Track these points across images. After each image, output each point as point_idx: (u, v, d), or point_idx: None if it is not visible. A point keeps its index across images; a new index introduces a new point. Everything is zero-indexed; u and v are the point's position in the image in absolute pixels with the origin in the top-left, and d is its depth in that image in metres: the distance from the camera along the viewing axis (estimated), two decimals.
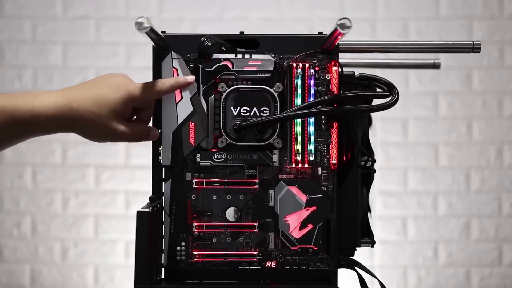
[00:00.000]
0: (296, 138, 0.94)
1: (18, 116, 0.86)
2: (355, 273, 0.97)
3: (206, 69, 0.93)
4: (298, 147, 0.94)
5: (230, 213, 0.94)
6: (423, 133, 2.19)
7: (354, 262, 0.97)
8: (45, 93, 0.88)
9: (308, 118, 0.94)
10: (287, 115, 0.92)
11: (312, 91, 0.94)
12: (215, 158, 0.94)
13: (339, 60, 0.95)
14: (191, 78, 0.93)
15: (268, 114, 0.93)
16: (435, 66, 1.16)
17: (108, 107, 0.88)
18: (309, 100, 0.93)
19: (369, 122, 1.00)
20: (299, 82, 0.94)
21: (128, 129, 0.90)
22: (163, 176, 0.95)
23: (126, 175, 2.17)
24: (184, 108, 0.94)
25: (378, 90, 0.95)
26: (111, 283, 2.18)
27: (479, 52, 1.02)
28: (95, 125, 0.88)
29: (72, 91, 0.89)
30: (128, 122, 0.92)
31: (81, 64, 2.19)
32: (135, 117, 0.96)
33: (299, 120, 0.94)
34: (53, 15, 2.20)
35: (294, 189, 0.94)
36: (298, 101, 0.94)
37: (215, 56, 0.93)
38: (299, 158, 0.94)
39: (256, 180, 0.95)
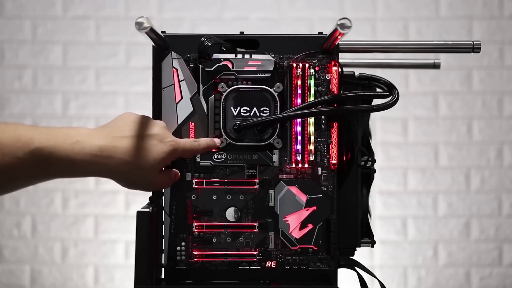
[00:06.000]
0: (296, 138, 0.94)
1: (54, 159, 0.79)
2: (355, 273, 0.97)
3: (206, 69, 0.93)
4: (298, 147, 0.94)
5: (230, 213, 0.94)
6: (423, 133, 2.19)
7: (354, 262, 0.97)
8: (87, 134, 0.82)
9: (308, 118, 0.94)
10: (287, 115, 0.92)
11: (312, 91, 0.94)
12: (215, 158, 0.94)
13: (339, 60, 0.95)
14: (218, 140, 0.93)
15: (268, 114, 0.93)
16: (435, 66, 1.16)
17: (154, 162, 0.84)
18: (309, 100, 0.93)
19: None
20: (299, 82, 0.94)
21: (163, 179, 0.89)
22: None
23: None
24: (184, 108, 0.94)
25: (378, 90, 0.95)
26: (111, 283, 2.17)
27: (479, 52, 1.02)
28: (135, 176, 0.85)
29: (115, 138, 0.83)
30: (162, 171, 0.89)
31: (81, 64, 2.19)
32: None
33: (299, 120, 0.94)
34: (53, 15, 2.20)
35: (294, 189, 0.94)
36: (298, 101, 0.94)
37: (215, 56, 0.93)
38: (299, 158, 0.94)
39: (256, 180, 0.95)
